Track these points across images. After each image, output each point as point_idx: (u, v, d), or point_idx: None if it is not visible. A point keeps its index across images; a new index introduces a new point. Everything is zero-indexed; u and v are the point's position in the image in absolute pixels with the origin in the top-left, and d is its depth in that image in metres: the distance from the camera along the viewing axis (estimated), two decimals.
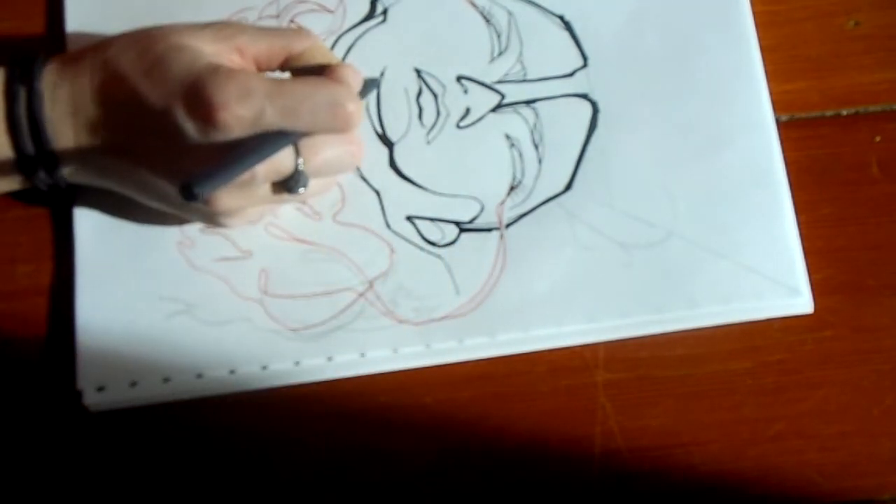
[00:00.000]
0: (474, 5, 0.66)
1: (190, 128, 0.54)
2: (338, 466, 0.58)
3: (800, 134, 0.63)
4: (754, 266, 0.60)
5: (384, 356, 0.59)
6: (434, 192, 0.62)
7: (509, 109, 0.63)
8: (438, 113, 0.63)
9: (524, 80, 0.64)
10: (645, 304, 0.60)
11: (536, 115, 0.63)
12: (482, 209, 0.62)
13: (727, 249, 0.60)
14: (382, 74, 0.64)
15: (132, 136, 0.56)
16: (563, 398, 0.59)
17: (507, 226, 0.62)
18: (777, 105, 0.63)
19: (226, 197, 0.56)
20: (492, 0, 0.65)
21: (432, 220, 0.62)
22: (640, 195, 0.62)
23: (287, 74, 0.59)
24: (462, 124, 0.63)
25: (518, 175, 0.62)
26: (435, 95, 0.64)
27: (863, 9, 0.66)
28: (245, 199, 0.57)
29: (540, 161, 0.62)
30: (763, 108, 0.63)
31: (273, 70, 0.59)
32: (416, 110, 0.64)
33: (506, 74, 0.64)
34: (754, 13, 0.65)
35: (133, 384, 0.59)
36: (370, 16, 0.66)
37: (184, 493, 0.58)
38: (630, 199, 0.62)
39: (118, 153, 0.57)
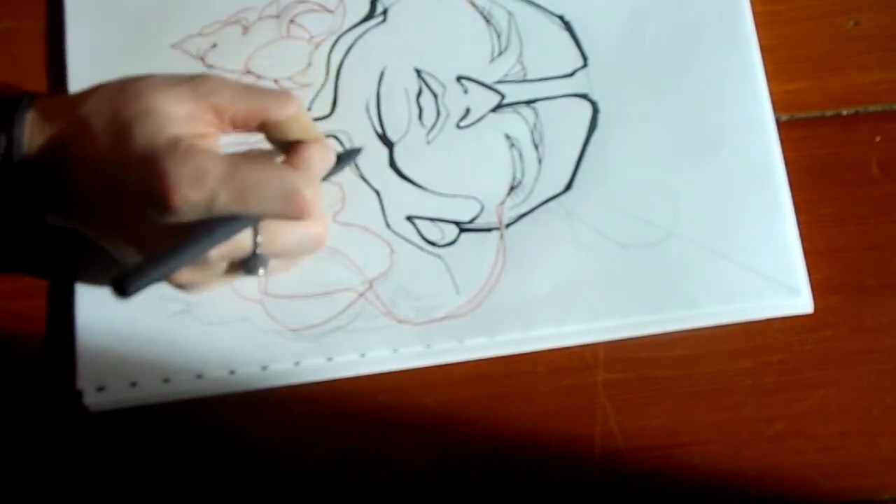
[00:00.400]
0: (474, 5, 0.66)
1: (144, 204, 0.53)
2: (338, 466, 0.58)
3: (800, 134, 0.63)
4: (754, 266, 0.60)
5: (384, 356, 0.59)
6: (434, 192, 0.62)
7: (509, 109, 0.63)
8: (438, 113, 0.63)
9: (524, 80, 0.64)
10: (645, 304, 0.60)
11: (536, 115, 0.63)
12: (482, 209, 0.62)
13: (727, 249, 0.60)
14: (382, 75, 0.64)
15: (98, 198, 0.55)
16: (563, 398, 0.59)
17: (507, 226, 0.62)
18: (777, 105, 0.63)
19: (182, 274, 0.55)
20: (492, 0, 0.65)
21: (432, 220, 0.62)
22: (640, 195, 0.62)
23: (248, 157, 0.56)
24: (462, 124, 0.63)
25: (518, 175, 0.62)
26: (435, 95, 0.64)
27: (863, 9, 0.66)
28: (202, 276, 0.55)
29: (540, 161, 0.62)
30: (763, 108, 0.63)
31: (250, 130, 0.57)
32: (416, 110, 0.64)
33: (506, 74, 0.64)
34: (754, 13, 0.65)
35: (133, 384, 0.59)
36: (370, 16, 0.66)
37: (184, 494, 0.58)
38: (630, 199, 0.62)
39: (84, 211, 0.56)
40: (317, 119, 0.64)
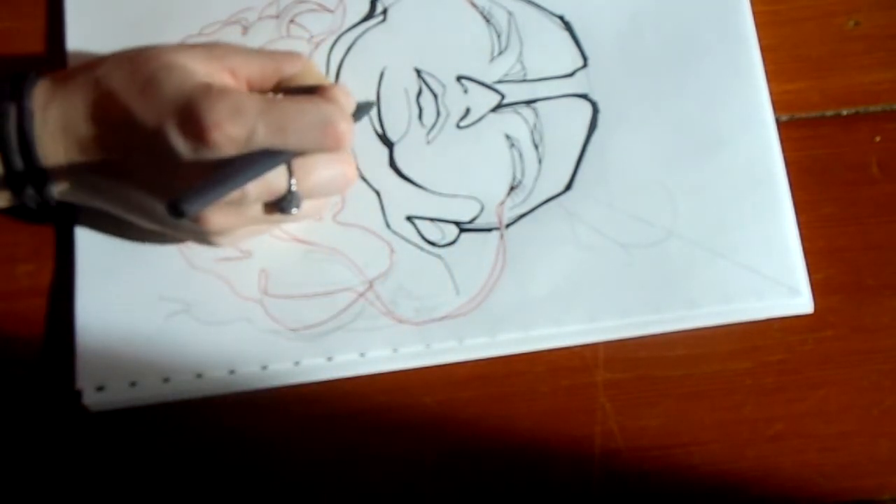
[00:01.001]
0: (474, 5, 0.66)
1: (182, 146, 0.54)
2: (338, 466, 0.58)
3: (800, 134, 0.63)
4: (754, 266, 0.60)
5: (384, 356, 0.59)
6: (434, 192, 0.62)
7: (509, 109, 0.63)
8: (438, 113, 0.63)
9: (524, 80, 0.64)
10: (645, 304, 0.60)
11: (536, 115, 0.63)
12: (482, 209, 0.62)
13: (727, 249, 0.60)
14: (382, 75, 0.64)
15: (123, 155, 0.56)
16: (563, 398, 0.59)
17: (507, 226, 0.62)
18: (777, 105, 0.63)
19: (217, 215, 0.55)
20: (492, 0, 0.65)
21: (432, 220, 0.62)
22: (640, 195, 0.62)
23: (280, 96, 0.58)
24: (462, 124, 0.63)
25: (518, 175, 0.62)
26: (435, 95, 0.64)
27: (863, 9, 0.66)
28: (236, 218, 0.56)
29: (540, 161, 0.62)
30: (763, 108, 0.63)
31: (265, 92, 0.58)
32: (416, 110, 0.64)
33: (506, 74, 0.64)
34: (754, 13, 0.65)
35: (133, 384, 0.59)
36: (370, 15, 0.66)
37: (184, 493, 0.58)
38: (630, 199, 0.62)
39: (109, 172, 0.57)
40: None
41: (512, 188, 0.62)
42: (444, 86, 0.64)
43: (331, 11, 0.66)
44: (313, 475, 0.58)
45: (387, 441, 0.59)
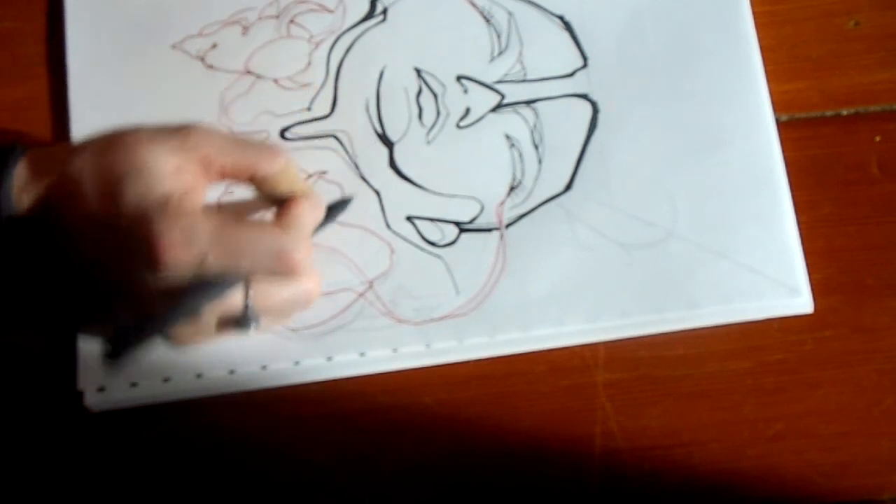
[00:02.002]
0: (474, 5, 0.66)
1: (133, 261, 0.53)
2: (338, 466, 0.58)
3: (800, 134, 0.63)
4: (754, 266, 0.60)
5: (384, 356, 0.60)
6: (434, 192, 0.62)
7: (509, 109, 0.63)
8: (438, 113, 0.63)
9: (524, 80, 0.64)
10: (645, 304, 0.60)
11: (536, 115, 0.63)
12: (482, 209, 0.62)
13: (727, 249, 0.60)
14: (382, 74, 0.64)
15: (88, 255, 0.55)
16: (563, 398, 0.59)
17: (507, 226, 0.62)
18: (777, 105, 0.63)
19: (172, 330, 0.55)
20: (492, 0, 0.65)
21: (432, 220, 0.62)
22: (640, 195, 0.62)
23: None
24: (462, 124, 0.63)
25: (518, 175, 0.62)
26: (435, 95, 0.64)
27: (863, 9, 0.66)
28: (192, 332, 0.56)
29: (540, 161, 0.62)
30: (763, 108, 0.63)
31: (239, 183, 0.57)
32: (415, 110, 0.64)
33: (506, 74, 0.64)
34: (754, 13, 0.65)
35: (133, 384, 0.59)
36: (370, 15, 0.66)
37: (184, 493, 0.58)
38: (630, 199, 0.62)
39: (74, 269, 0.56)
40: (317, 119, 0.64)
41: (512, 188, 0.62)
42: (444, 85, 0.64)
43: (331, 11, 0.66)
44: (313, 475, 0.58)
45: (387, 441, 0.59)
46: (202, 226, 0.53)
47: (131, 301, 0.54)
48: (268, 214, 0.57)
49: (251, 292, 0.54)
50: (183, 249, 0.52)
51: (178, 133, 0.55)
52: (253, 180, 0.56)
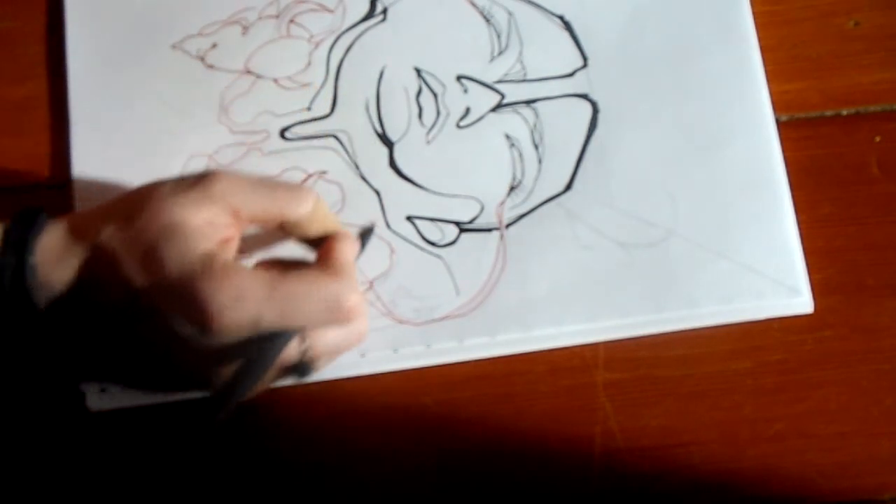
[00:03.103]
0: (474, 5, 0.65)
1: (186, 329, 0.52)
2: (338, 466, 0.58)
3: (800, 134, 0.63)
4: (754, 266, 0.60)
5: (384, 356, 0.60)
6: (434, 192, 0.62)
7: (509, 109, 0.63)
8: (438, 112, 0.63)
9: (524, 80, 0.64)
10: (645, 304, 0.60)
11: (536, 115, 0.63)
12: (482, 209, 0.62)
13: (727, 249, 0.60)
14: (382, 74, 0.64)
15: (128, 319, 0.54)
16: (563, 398, 0.59)
17: (507, 226, 0.62)
18: (777, 105, 0.63)
19: None
20: (492, 0, 0.65)
21: (432, 220, 0.62)
22: (640, 195, 0.62)
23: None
24: (462, 124, 0.63)
25: (518, 175, 0.62)
26: (435, 95, 0.64)
27: (863, 9, 0.65)
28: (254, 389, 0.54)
29: (540, 161, 0.62)
30: (763, 108, 0.63)
31: (267, 228, 0.56)
32: (415, 110, 0.64)
33: (506, 74, 0.64)
34: (754, 13, 0.65)
35: None
36: (370, 15, 0.66)
37: (184, 493, 0.58)
38: (630, 199, 0.62)
39: (114, 346, 0.55)
40: (317, 119, 0.64)
41: (512, 188, 0.62)
42: (444, 85, 0.64)
43: (331, 11, 0.66)
44: (313, 475, 0.58)
45: (387, 441, 0.59)
46: (252, 285, 0.51)
47: (181, 367, 0.54)
48: (308, 254, 0.56)
49: (306, 343, 0.53)
50: (235, 312, 0.51)
51: (200, 184, 0.53)
52: (284, 225, 0.55)
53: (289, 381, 0.55)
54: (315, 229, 0.55)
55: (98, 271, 0.53)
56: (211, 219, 0.53)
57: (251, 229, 0.56)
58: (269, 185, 0.55)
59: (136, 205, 0.53)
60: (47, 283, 0.53)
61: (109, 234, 0.53)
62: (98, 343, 0.55)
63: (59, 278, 0.53)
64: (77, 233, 0.54)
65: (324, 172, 0.63)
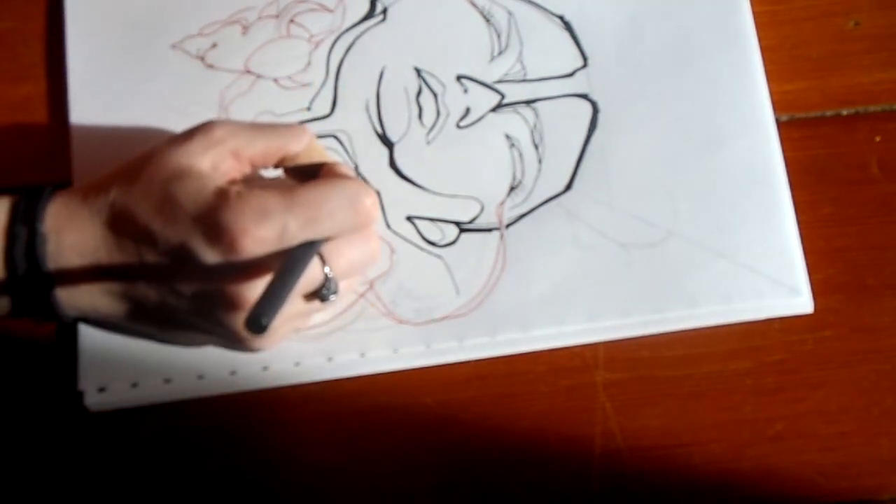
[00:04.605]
0: (474, 5, 0.65)
1: (211, 257, 0.52)
2: (338, 466, 0.58)
3: (800, 134, 0.63)
4: (754, 266, 0.60)
5: (384, 356, 0.60)
6: (434, 192, 0.62)
7: (509, 109, 0.63)
8: (438, 112, 0.63)
9: (524, 80, 0.64)
10: (645, 304, 0.60)
11: (536, 115, 0.63)
12: (482, 209, 0.62)
13: (727, 249, 0.60)
14: (382, 74, 0.64)
15: (146, 268, 0.54)
16: (563, 398, 0.59)
17: (507, 226, 0.62)
18: (777, 105, 0.63)
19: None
20: (492, 0, 0.65)
21: (432, 220, 0.62)
22: (640, 195, 0.62)
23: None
24: (462, 124, 0.63)
25: (518, 175, 0.62)
26: (435, 95, 0.64)
27: (863, 9, 0.66)
28: (281, 317, 0.54)
29: (540, 161, 0.62)
30: (763, 108, 0.63)
31: (268, 168, 0.58)
32: (415, 110, 0.64)
33: (506, 74, 0.64)
34: (754, 13, 0.65)
35: (134, 385, 0.59)
36: (370, 15, 0.66)
37: (184, 493, 0.58)
38: (630, 198, 0.62)
39: (129, 283, 0.55)
40: (317, 119, 0.64)
41: (512, 188, 0.62)
42: (443, 85, 0.64)
43: (330, 11, 0.66)
44: (313, 475, 0.58)
45: (387, 441, 0.59)
46: (272, 200, 0.53)
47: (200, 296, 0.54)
48: None
49: (327, 262, 0.54)
50: (261, 227, 0.52)
51: (200, 132, 0.55)
52: (283, 162, 0.57)
53: (309, 311, 0.56)
54: (315, 158, 0.57)
55: (113, 229, 0.54)
56: (216, 163, 0.54)
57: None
58: (264, 126, 0.57)
59: (139, 163, 0.55)
60: (58, 250, 0.54)
61: (120, 193, 0.55)
62: (110, 313, 0.56)
63: (70, 244, 0.54)
64: (85, 198, 0.55)
65: None
